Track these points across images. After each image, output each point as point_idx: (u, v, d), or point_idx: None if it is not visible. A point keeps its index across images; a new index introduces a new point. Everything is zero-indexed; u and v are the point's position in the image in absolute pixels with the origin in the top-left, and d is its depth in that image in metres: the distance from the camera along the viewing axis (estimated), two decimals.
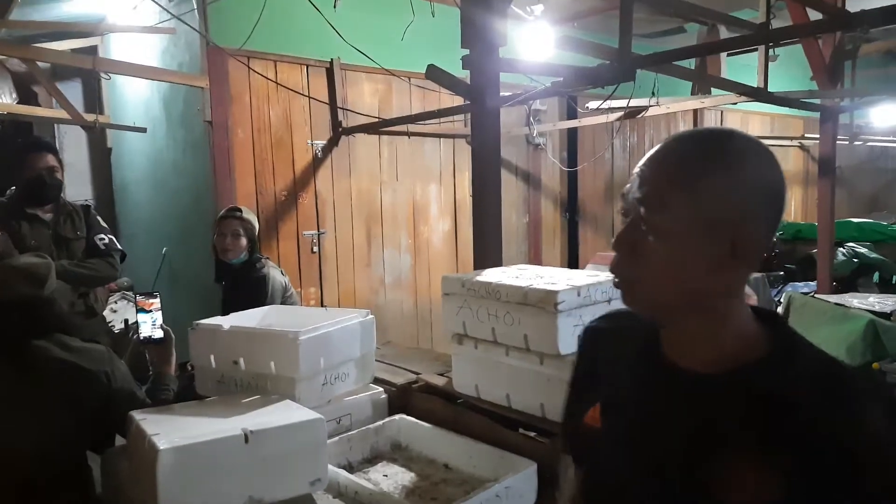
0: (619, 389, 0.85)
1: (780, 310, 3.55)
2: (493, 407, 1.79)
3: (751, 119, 8.03)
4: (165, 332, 1.95)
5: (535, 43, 3.42)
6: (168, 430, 1.40)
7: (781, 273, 5.73)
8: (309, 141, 4.53)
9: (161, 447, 1.30)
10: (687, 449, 0.73)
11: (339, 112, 4.53)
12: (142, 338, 1.93)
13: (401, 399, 2.03)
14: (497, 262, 2.24)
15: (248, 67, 4.02)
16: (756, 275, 4.83)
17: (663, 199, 0.73)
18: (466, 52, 2.29)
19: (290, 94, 4.29)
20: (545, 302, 1.61)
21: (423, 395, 1.99)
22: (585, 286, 1.66)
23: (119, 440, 1.81)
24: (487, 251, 2.29)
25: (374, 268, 4.93)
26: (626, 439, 0.81)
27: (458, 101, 4.23)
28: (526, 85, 3.62)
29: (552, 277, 1.80)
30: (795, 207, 9.02)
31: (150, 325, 1.93)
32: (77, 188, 5.81)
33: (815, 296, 4.07)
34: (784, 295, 3.75)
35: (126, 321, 3.98)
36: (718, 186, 0.71)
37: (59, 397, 1.66)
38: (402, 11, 3.81)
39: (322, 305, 4.59)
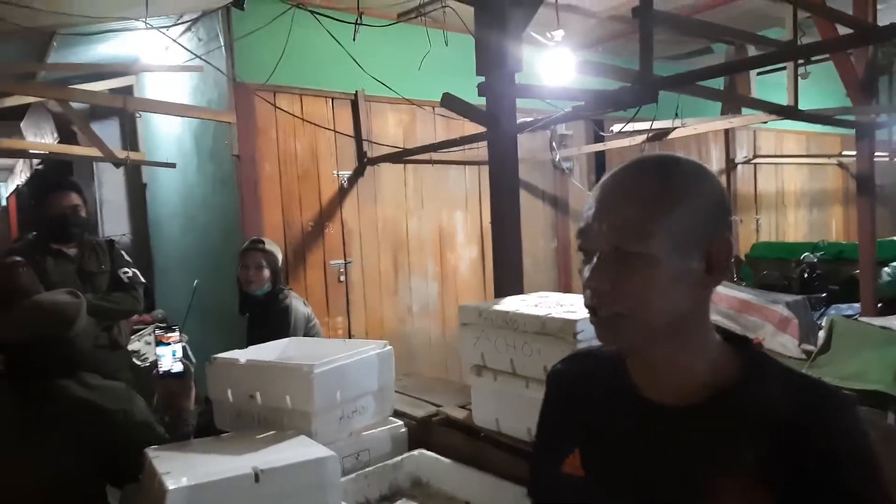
0: (597, 434, 0.84)
1: (821, 334, 3.39)
2: (514, 442, 1.72)
3: (785, 138, 7.84)
4: (185, 366, 1.94)
5: (556, 68, 3.41)
6: (179, 469, 1.38)
7: (823, 295, 5.51)
8: (335, 172, 4.57)
9: (169, 487, 1.28)
10: (678, 483, 0.74)
11: (364, 143, 4.57)
12: (161, 372, 1.92)
13: (421, 433, 1.98)
14: (517, 290, 2.19)
15: (273, 105, 4.09)
16: (797, 297, 4.65)
17: (639, 231, 0.74)
18: (478, 81, 2.28)
19: (316, 127, 4.35)
20: (564, 331, 1.55)
21: (444, 429, 1.94)
22: None
23: None
24: (507, 279, 2.24)
25: (401, 296, 4.90)
26: (614, 483, 0.80)
27: (482, 127, 4.22)
28: (548, 110, 3.60)
29: (572, 305, 1.74)
30: (836, 227, 8.73)
31: (171, 358, 1.92)
32: (114, 224, 5.98)
33: (859, 319, 3.88)
34: (826, 319, 3.59)
35: (153, 330, 4.04)
36: (686, 207, 0.74)
37: (75, 436, 1.65)
38: (421, 41, 3.85)
39: (349, 335, 4.58)
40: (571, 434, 0.88)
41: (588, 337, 1.54)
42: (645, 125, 4.32)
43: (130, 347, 3.07)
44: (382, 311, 4.81)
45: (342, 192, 4.62)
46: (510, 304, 1.81)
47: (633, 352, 0.81)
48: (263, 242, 2.98)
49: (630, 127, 4.40)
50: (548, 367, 1.60)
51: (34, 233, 2.97)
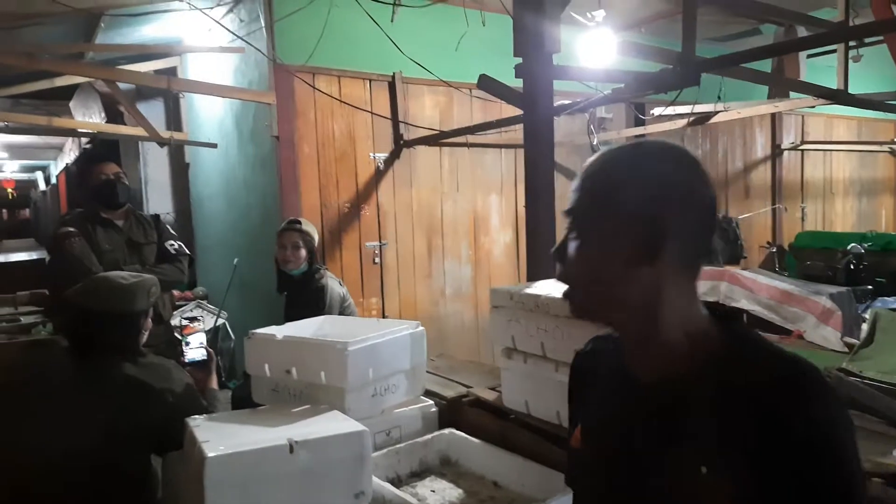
0: (593, 409, 0.91)
1: (864, 326, 3.29)
2: (543, 424, 1.73)
3: (835, 123, 7.56)
4: (208, 352, 2.07)
5: (596, 50, 3.35)
6: (217, 438, 1.43)
7: (870, 287, 5.33)
8: (371, 154, 4.60)
9: (208, 454, 1.33)
10: (658, 456, 0.76)
11: (401, 125, 4.58)
12: (186, 360, 2.05)
13: (451, 413, 2.00)
14: (550, 275, 2.18)
15: (312, 86, 4.13)
16: (841, 289, 4.51)
17: (579, 209, 0.81)
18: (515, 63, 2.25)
19: (353, 109, 4.38)
20: None
21: (474, 410, 1.96)
22: None
23: None
24: (540, 263, 2.24)
25: (434, 279, 4.93)
26: (606, 456, 0.85)
27: (519, 110, 4.19)
28: (587, 93, 3.55)
29: None
30: (886, 217, 8.40)
31: (194, 347, 2.07)
32: (159, 202, 6.15)
33: None
34: (870, 311, 3.48)
35: (180, 319, 4.16)
36: (622, 192, 0.77)
37: (124, 410, 1.73)
38: (458, 22, 3.83)
39: (383, 316, 4.64)
40: (578, 411, 0.96)
41: None
42: (687, 109, 4.22)
43: (172, 322, 3.17)
44: (416, 293, 4.85)
45: (378, 174, 4.65)
46: (542, 287, 1.81)
47: (599, 327, 0.87)
48: (300, 223, 3.03)
49: (671, 110, 4.30)
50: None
51: (80, 208, 3.09)
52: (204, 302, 5.12)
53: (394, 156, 4.68)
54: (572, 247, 0.80)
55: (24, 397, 1.83)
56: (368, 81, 4.54)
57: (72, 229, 2.73)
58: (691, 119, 4.03)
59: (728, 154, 6.64)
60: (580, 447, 0.90)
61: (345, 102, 4.25)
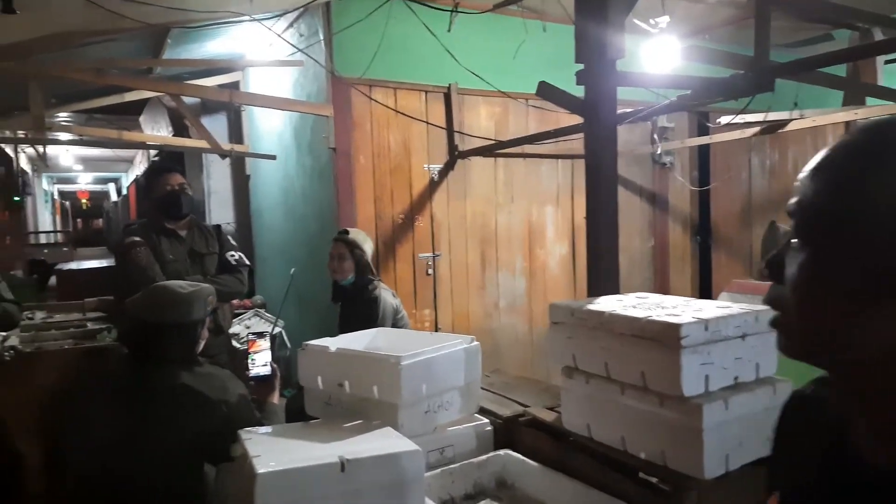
0: (797, 481, 0.68)
1: None
2: (606, 449, 1.63)
3: None
4: (273, 368, 2.07)
5: (660, 56, 3.23)
6: (269, 453, 1.40)
7: None
8: (426, 165, 4.58)
9: (259, 471, 1.30)
10: None
11: (456, 136, 4.55)
12: (251, 375, 2.05)
13: (507, 433, 1.92)
14: (613, 290, 2.08)
15: (369, 97, 4.15)
16: None
17: (813, 209, 0.58)
18: (575, 71, 2.18)
19: (409, 120, 4.38)
20: (666, 336, 1.44)
21: (531, 431, 1.87)
22: (714, 319, 1.47)
23: None
24: (602, 278, 2.14)
25: (488, 291, 4.86)
26: None
27: (577, 120, 4.09)
28: (649, 102, 3.42)
29: (675, 308, 1.63)
30: None
31: (259, 363, 2.07)
32: (220, 212, 6.33)
33: None
34: None
35: (248, 335, 4.21)
36: (888, 191, 0.52)
37: (180, 419, 1.74)
38: (514, 32, 3.77)
39: (436, 328, 4.59)
40: (779, 473, 0.75)
41: (693, 342, 1.42)
42: (755, 117, 4.03)
43: (231, 330, 3.20)
44: (469, 305, 4.79)
45: (432, 186, 4.63)
46: (605, 304, 1.71)
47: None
48: (348, 233, 3.02)
49: (739, 119, 4.11)
50: (646, 374, 1.51)
51: (145, 218, 3.16)
52: (261, 311, 5.21)
53: (448, 167, 4.65)
54: (796, 261, 0.58)
55: (82, 402, 1.86)
56: (424, 93, 4.53)
57: (137, 239, 2.79)
58: (763, 128, 3.83)
59: (798, 165, 6.31)
60: None
61: (401, 113, 4.25)
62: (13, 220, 11.21)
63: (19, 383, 2.34)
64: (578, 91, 2.34)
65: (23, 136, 6.39)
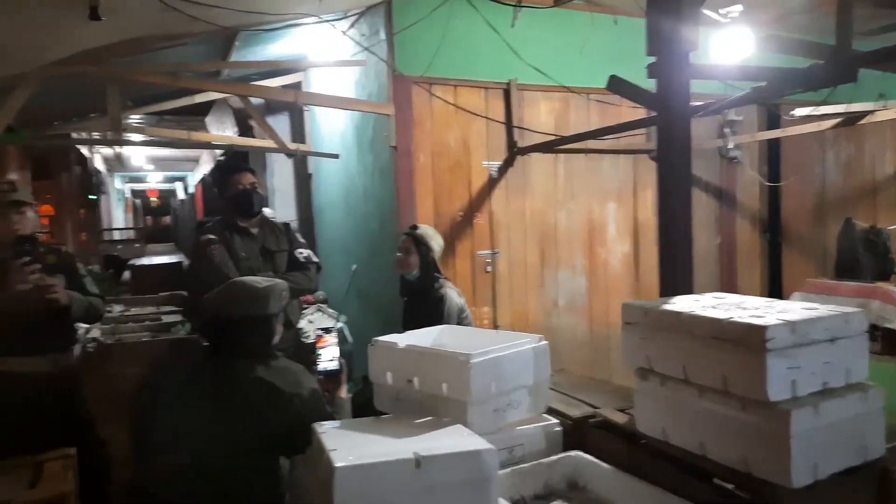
0: None
1: None
2: (683, 454, 1.58)
3: None
4: (340, 363, 2.10)
5: (732, 47, 3.11)
6: (344, 447, 1.42)
7: None
8: (484, 162, 4.57)
9: (337, 465, 1.32)
10: None
11: (515, 132, 4.52)
12: (319, 370, 2.09)
13: (576, 434, 1.89)
14: (687, 290, 2.02)
15: (431, 93, 4.16)
16: None
17: None
18: (645, 64, 2.12)
19: (468, 118, 4.38)
20: (750, 338, 1.38)
21: (601, 432, 1.84)
22: (801, 322, 1.40)
23: None
24: (676, 277, 2.08)
25: (547, 289, 4.81)
26: None
27: (639, 114, 4.00)
28: (719, 95, 3.30)
29: (757, 309, 1.56)
30: None
31: (327, 358, 2.11)
32: (283, 210, 6.49)
33: None
34: None
35: (315, 331, 4.30)
36: None
37: (256, 412, 1.79)
38: (579, 26, 3.71)
39: (495, 325, 4.58)
40: None
41: (779, 345, 1.36)
42: (830, 109, 3.83)
43: (299, 327, 3.28)
44: (528, 303, 4.75)
45: (491, 183, 4.61)
46: (682, 304, 1.66)
47: None
48: (417, 228, 3.04)
49: (809, 111, 3.92)
50: (727, 377, 1.45)
51: (217, 216, 3.26)
52: (324, 306, 5.31)
53: (507, 164, 4.62)
54: None
55: (163, 393, 1.94)
56: (484, 90, 4.52)
57: (213, 237, 2.87)
58: (841, 120, 3.64)
59: (877, 159, 5.98)
60: None
61: (462, 109, 4.25)
62: (89, 218, 11.83)
63: (102, 373, 2.46)
64: (646, 85, 2.28)
65: (98, 137, 6.72)
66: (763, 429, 1.39)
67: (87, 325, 3.04)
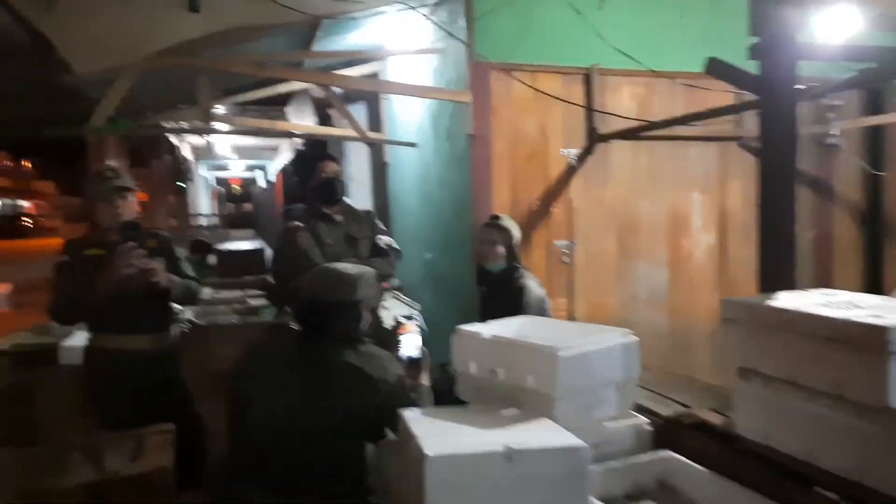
0: None
1: None
2: (787, 460, 1.49)
3: None
4: (422, 351, 2.11)
5: (839, 26, 2.89)
6: (434, 435, 1.42)
7: None
8: (562, 150, 4.47)
9: (429, 454, 1.32)
10: None
11: (595, 118, 4.39)
12: (404, 357, 2.11)
13: (667, 433, 1.83)
14: (789, 286, 1.90)
15: (515, 79, 4.11)
16: None
17: None
18: (740, 47, 1.99)
19: (546, 105, 4.29)
20: (869, 340, 1.28)
21: (695, 433, 1.76)
22: None
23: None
24: (778, 272, 1.96)
25: (626, 282, 4.67)
26: None
27: (728, 100, 3.80)
28: (817, 77, 3.08)
29: (874, 308, 1.45)
30: None
31: (409, 346, 2.13)
32: (359, 198, 6.60)
33: None
34: None
35: (396, 318, 4.36)
36: None
37: (341, 394, 1.82)
38: (658, 8, 3.55)
39: (571, 318, 4.49)
40: None
41: None
42: None
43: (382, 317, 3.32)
44: (606, 295, 4.62)
45: (569, 171, 4.50)
46: (788, 301, 1.56)
47: None
48: (500, 219, 3.01)
49: None
50: (841, 381, 1.35)
51: (300, 204, 3.34)
52: (398, 293, 5.37)
53: (586, 151, 4.50)
54: None
55: (256, 374, 2.00)
56: (563, 76, 4.41)
57: (300, 223, 2.96)
58: None
59: None
60: None
61: (544, 93, 4.16)
62: (179, 204, 12.47)
63: (198, 353, 2.58)
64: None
65: (187, 126, 7.04)
66: (882, 438, 1.29)
67: (182, 307, 3.19)
